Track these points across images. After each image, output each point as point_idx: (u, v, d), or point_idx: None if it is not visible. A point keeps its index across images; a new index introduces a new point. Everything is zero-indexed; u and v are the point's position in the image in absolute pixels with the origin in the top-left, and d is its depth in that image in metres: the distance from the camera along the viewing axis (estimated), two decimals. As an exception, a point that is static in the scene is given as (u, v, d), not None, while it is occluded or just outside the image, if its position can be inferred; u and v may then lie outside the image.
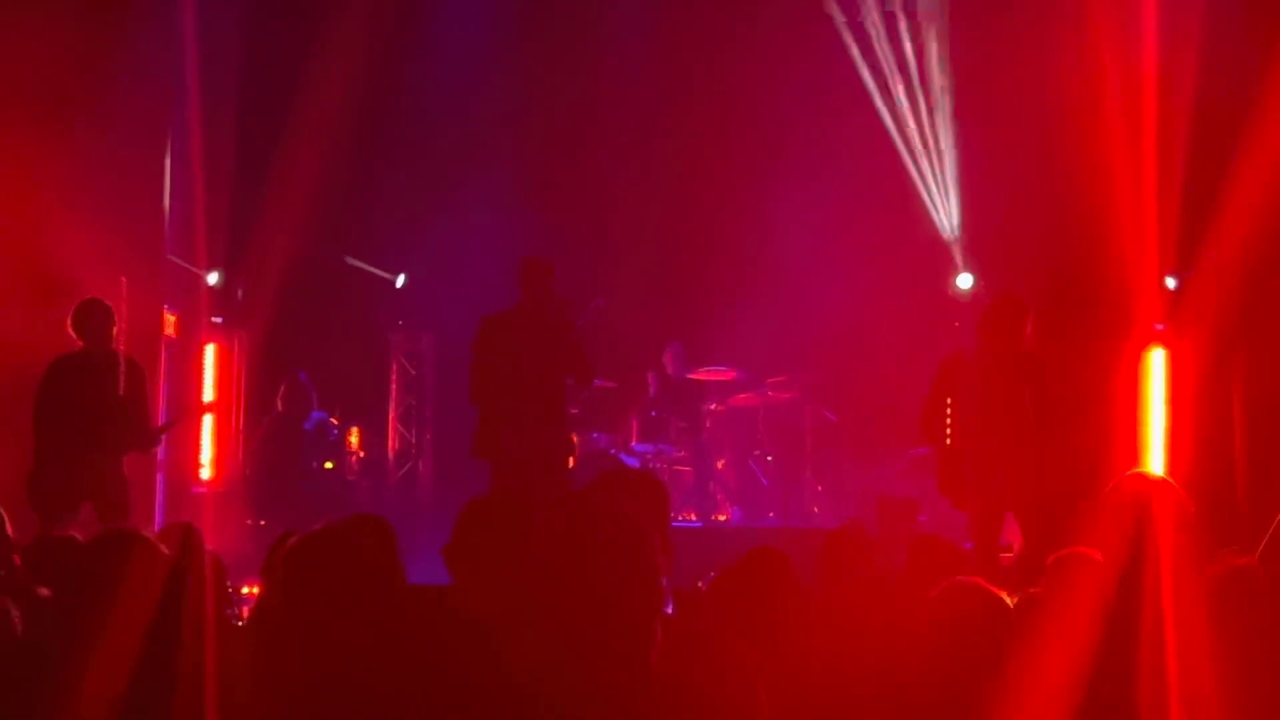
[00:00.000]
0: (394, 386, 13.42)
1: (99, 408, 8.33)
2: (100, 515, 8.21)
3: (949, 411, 8.20)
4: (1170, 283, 10.50)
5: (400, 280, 13.30)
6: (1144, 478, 4.86)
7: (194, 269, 11.04)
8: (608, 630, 3.01)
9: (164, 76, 10.42)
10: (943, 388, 8.28)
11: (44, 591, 4.59)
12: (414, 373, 13.48)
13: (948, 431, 8.21)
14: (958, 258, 12.52)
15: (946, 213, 12.51)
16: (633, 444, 11.90)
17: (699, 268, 12.94)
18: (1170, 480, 5.76)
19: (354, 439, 12.52)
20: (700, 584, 8.97)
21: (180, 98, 10.31)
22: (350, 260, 12.86)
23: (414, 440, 13.39)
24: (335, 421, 11.89)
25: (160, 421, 9.40)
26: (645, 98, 12.96)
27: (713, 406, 12.17)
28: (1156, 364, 10.37)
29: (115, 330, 8.50)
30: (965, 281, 12.47)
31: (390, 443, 13.28)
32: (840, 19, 12.38)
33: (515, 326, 8.61)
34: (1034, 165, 11.12)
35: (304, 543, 3.92)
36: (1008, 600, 4.16)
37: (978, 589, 4.09)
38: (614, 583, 2.99)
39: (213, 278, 11.34)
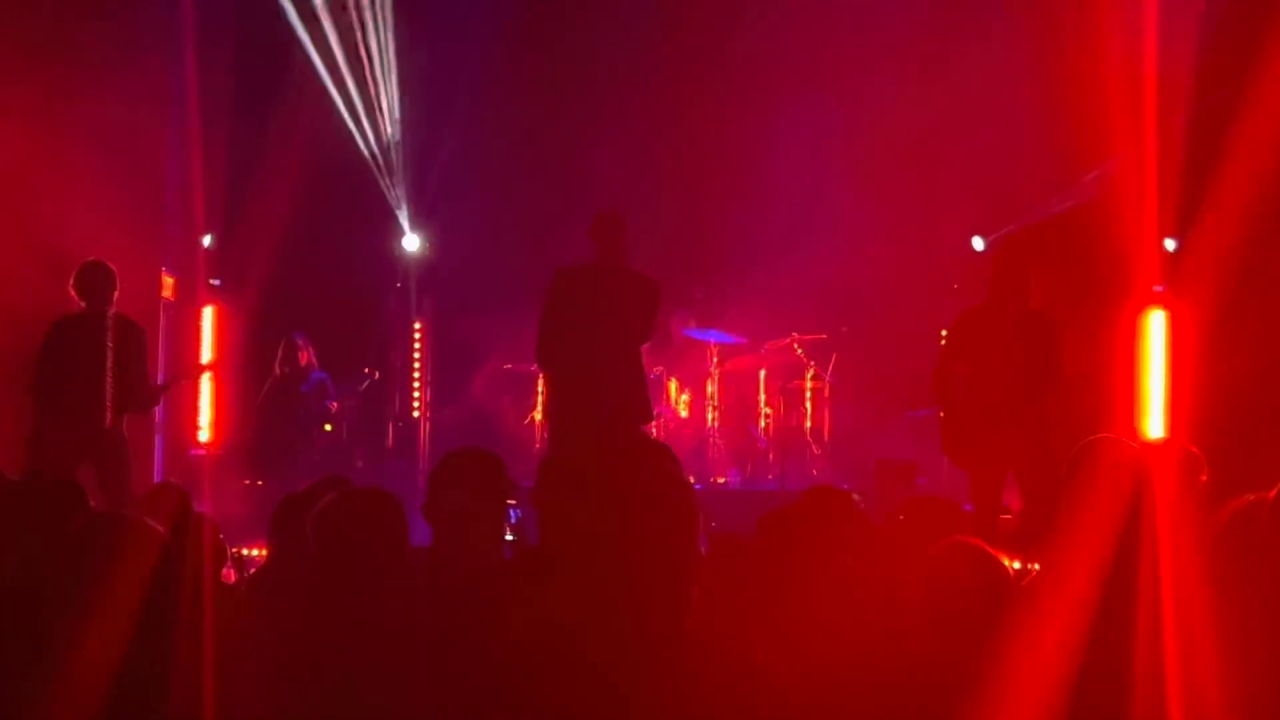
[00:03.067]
0: (393, 348, 13.40)
1: (99, 369, 8.34)
2: (99, 476, 8.22)
3: (961, 370, 8.17)
4: (1170, 244, 10.48)
5: (415, 243, 13.27)
6: (1116, 441, 4.84)
7: (192, 231, 11.02)
8: (649, 582, 3.01)
9: (161, 39, 10.38)
10: (954, 347, 8.27)
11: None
12: (414, 334, 13.47)
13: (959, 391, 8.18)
14: None
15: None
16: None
17: (699, 230, 12.91)
18: (1185, 444, 5.74)
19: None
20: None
21: (177, 60, 10.27)
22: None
23: (413, 401, 13.38)
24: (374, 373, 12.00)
25: (159, 382, 9.40)
26: (644, 62, 12.90)
27: (712, 369, 12.17)
28: (1156, 326, 10.36)
29: (116, 293, 8.50)
30: (979, 243, 12.41)
31: (390, 404, 13.28)
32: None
33: (589, 282, 8.21)
34: (1034, 127, 11.09)
35: (328, 512, 4.05)
36: (1006, 562, 4.16)
37: (975, 549, 4.08)
38: (661, 536, 2.99)
39: (211, 240, 11.34)
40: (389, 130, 12.75)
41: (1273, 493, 4.31)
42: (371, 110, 12.57)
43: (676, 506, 2.97)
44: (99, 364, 8.34)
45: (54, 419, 8.25)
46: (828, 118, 12.29)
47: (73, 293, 8.42)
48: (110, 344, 8.39)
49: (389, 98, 12.61)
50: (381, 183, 12.85)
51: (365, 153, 12.66)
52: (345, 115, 12.35)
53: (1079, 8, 10.26)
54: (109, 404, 8.33)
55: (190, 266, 11.11)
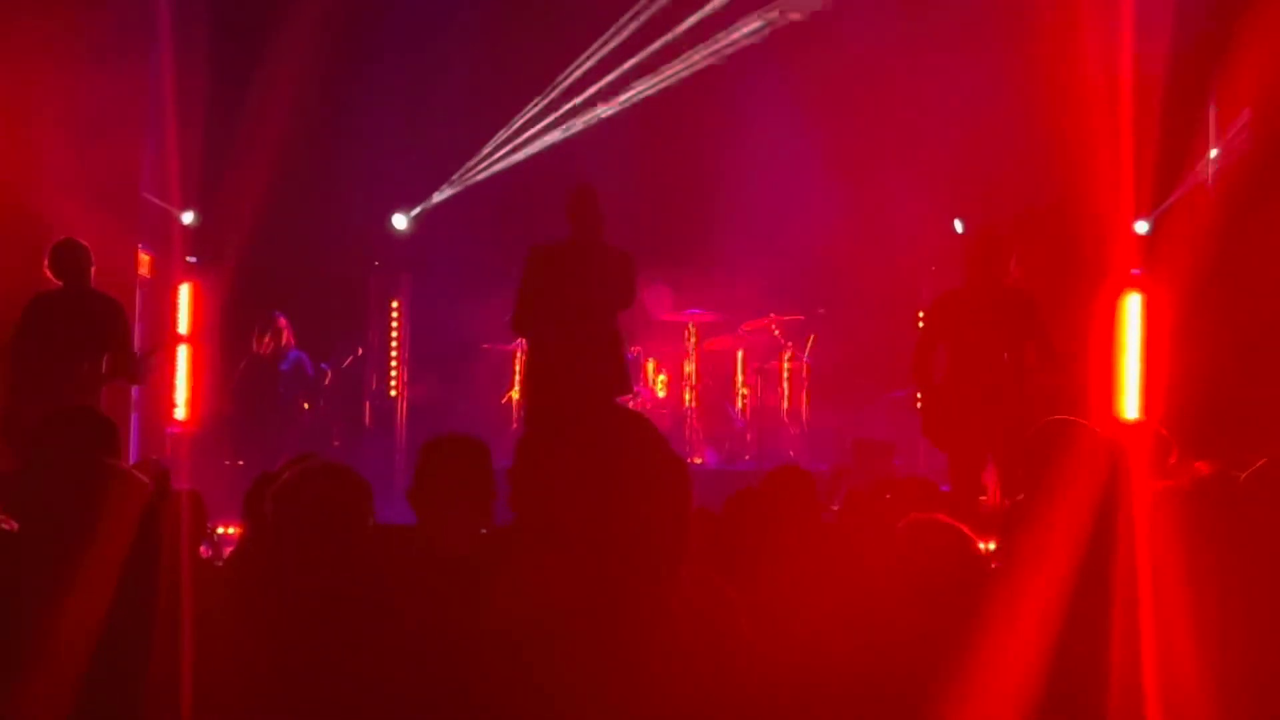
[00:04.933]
0: (370, 327, 13.37)
1: (77, 346, 8.31)
2: None
3: (940, 351, 8.20)
4: (1141, 226, 10.53)
5: (402, 222, 13.28)
6: (1074, 423, 4.87)
7: (168, 208, 10.98)
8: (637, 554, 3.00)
9: (137, 10, 10.30)
10: (932, 328, 8.29)
11: (11, 525, 4.58)
12: (392, 313, 13.44)
13: (938, 372, 8.21)
14: None
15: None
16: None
17: (677, 210, 12.91)
18: (1155, 426, 5.79)
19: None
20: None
21: (153, 33, 10.20)
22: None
23: (391, 380, 13.36)
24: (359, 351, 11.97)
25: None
26: (623, 42, 12.87)
27: (689, 348, 12.18)
28: (1132, 308, 10.40)
29: (93, 270, 8.47)
30: (959, 226, 12.42)
31: (367, 383, 13.25)
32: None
33: (566, 257, 8.26)
34: (1010, 111, 11.10)
35: (286, 487, 4.04)
36: (980, 545, 4.18)
37: (947, 527, 4.10)
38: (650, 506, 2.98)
39: (188, 217, 11.29)
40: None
41: (1244, 475, 4.35)
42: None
43: (664, 480, 2.97)
44: (76, 342, 8.31)
45: (30, 396, 8.22)
46: (807, 98, 12.28)
47: (48, 274, 8.39)
48: (88, 322, 8.37)
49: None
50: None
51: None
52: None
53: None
54: (85, 382, 8.31)
55: (166, 243, 11.06)
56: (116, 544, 3.55)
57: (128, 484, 3.73)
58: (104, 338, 8.39)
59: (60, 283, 8.40)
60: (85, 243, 8.49)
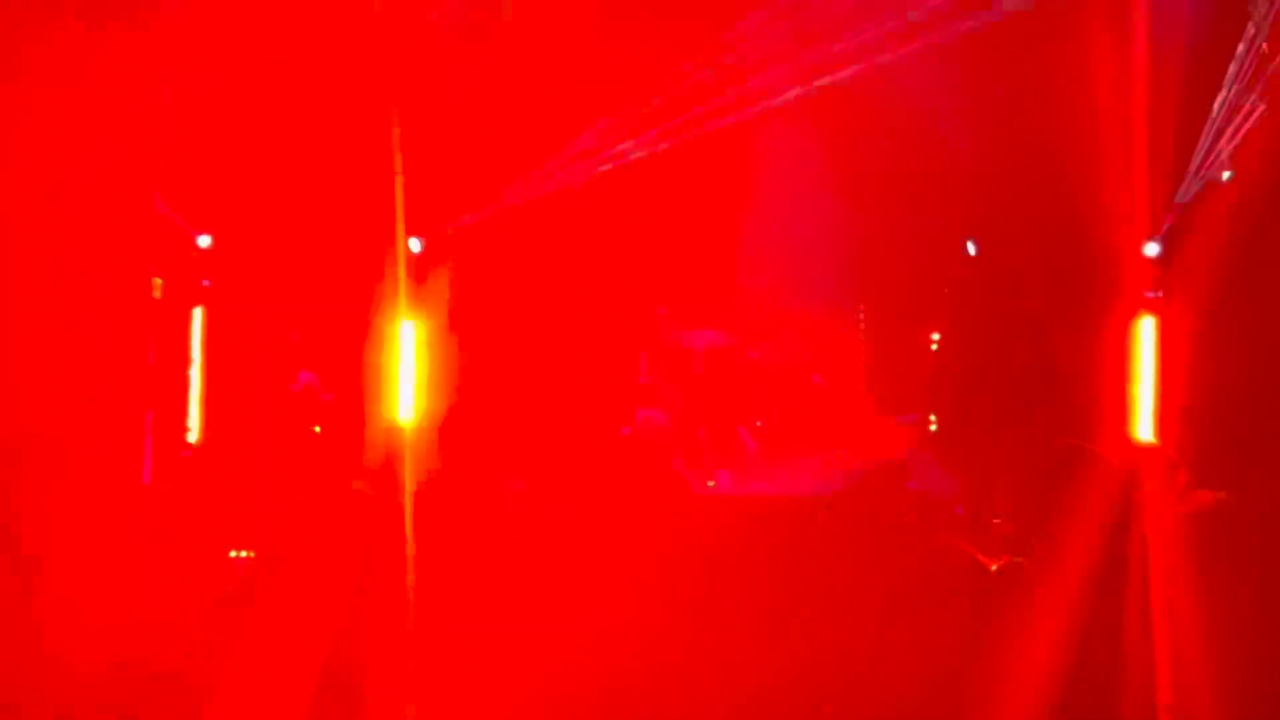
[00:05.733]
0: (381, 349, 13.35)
1: None
2: None
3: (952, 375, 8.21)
4: (1152, 249, 10.49)
5: (417, 244, 13.22)
6: (1079, 446, 4.88)
7: (184, 230, 10.98)
8: None
9: (153, 34, 10.31)
10: (946, 351, 8.29)
11: None
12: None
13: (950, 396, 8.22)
14: None
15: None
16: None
17: (686, 231, 12.88)
18: (1165, 449, 5.79)
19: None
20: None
21: (168, 55, 10.22)
22: None
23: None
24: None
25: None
26: (633, 59, 12.87)
27: (701, 372, 12.15)
28: (1146, 331, 10.36)
29: None
30: (971, 248, 12.38)
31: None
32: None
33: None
34: (1024, 132, 11.09)
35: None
36: (992, 567, 4.18)
37: (961, 550, 4.09)
38: None
39: (204, 240, 11.24)
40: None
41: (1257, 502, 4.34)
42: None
43: None
44: None
45: None
46: (820, 117, 12.27)
47: None
48: None
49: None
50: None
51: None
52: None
53: (1069, 14, 10.30)
54: None
55: (180, 267, 11.06)
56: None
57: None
58: None
59: None
60: (83, 261, 8.54)
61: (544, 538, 4.68)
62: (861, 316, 12.42)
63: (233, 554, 8.11)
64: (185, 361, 10.82)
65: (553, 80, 11.19)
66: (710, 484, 11.87)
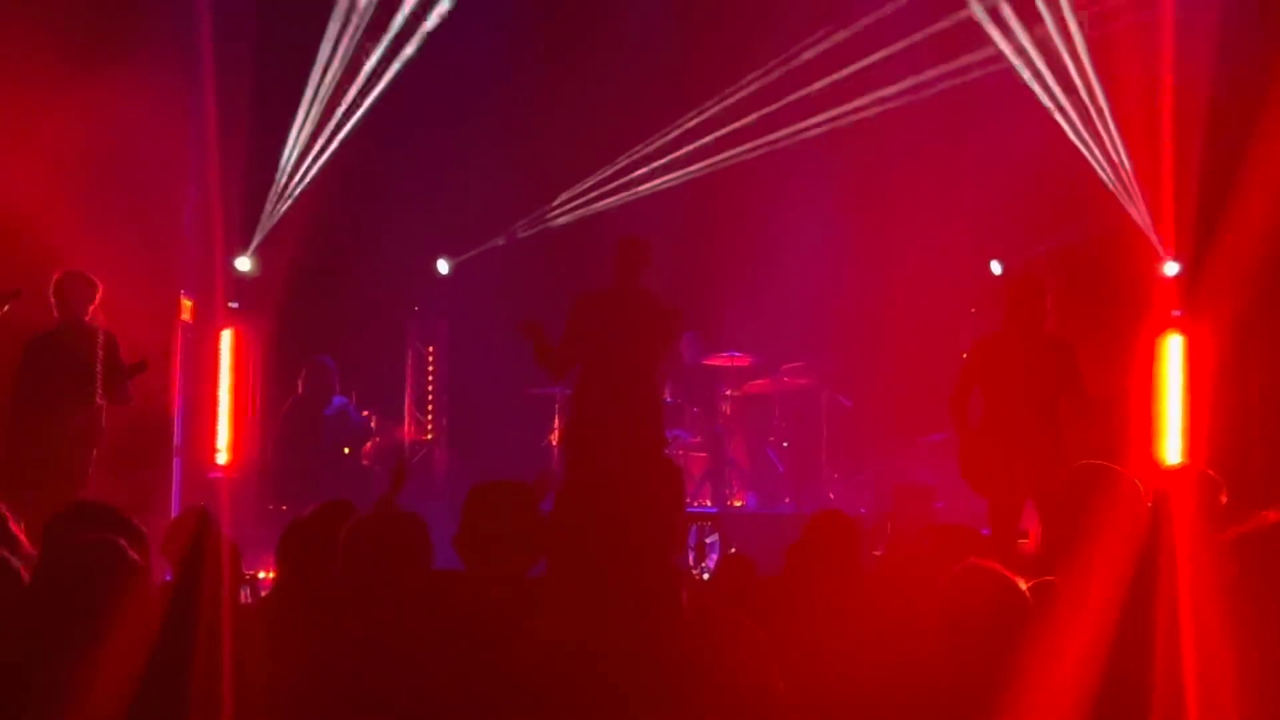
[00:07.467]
0: (409, 372, 13.41)
1: (66, 380, 8.38)
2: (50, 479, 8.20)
3: (978, 395, 8.20)
4: (1172, 268, 10.47)
5: (445, 266, 13.25)
6: (1105, 468, 4.87)
7: (211, 253, 11.02)
8: (631, 606, 3.03)
9: (180, 58, 10.35)
10: (972, 370, 8.28)
11: None
12: (429, 359, 13.48)
13: (976, 416, 8.21)
14: None
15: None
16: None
17: (714, 252, 12.91)
18: (1202, 468, 5.76)
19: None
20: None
21: (196, 79, 10.25)
22: None
23: (429, 426, 13.40)
24: (366, 413, 11.82)
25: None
26: (658, 83, 12.91)
27: (728, 393, 12.17)
28: (1173, 350, 10.34)
29: (93, 305, 8.55)
30: (997, 267, 12.35)
31: (405, 429, 13.28)
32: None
33: (612, 305, 8.35)
34: (1049, 151, 11.08)
35: (357, 528, 4.18)
36: (1023, 586, 4.16)
37: (992, 573, 4.08)
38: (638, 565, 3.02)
39: (244, 264, 11.20)
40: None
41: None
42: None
43: (660, 526, 3.00)
44: (66, 376, 8.38)
45: (25, 440, 8.30)
46: (845, 138, 12.29)
47: (51, 299, 8.52)
48: (80, 355, 8.44)
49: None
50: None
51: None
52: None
53: (1096, 33, 10.31)
54: (70, 411, 8.37)
55: (209, 289, 11.10)
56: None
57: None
58: (95, 369, 8.45)
59: (58, 314, 8.52)
60: (113, 283, 8.60)
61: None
62: (889, 336, 12.39)
63: (261, 575, 8.13)
64: (214, 383, 10.85)
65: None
66: (738, 504, 11.88)
